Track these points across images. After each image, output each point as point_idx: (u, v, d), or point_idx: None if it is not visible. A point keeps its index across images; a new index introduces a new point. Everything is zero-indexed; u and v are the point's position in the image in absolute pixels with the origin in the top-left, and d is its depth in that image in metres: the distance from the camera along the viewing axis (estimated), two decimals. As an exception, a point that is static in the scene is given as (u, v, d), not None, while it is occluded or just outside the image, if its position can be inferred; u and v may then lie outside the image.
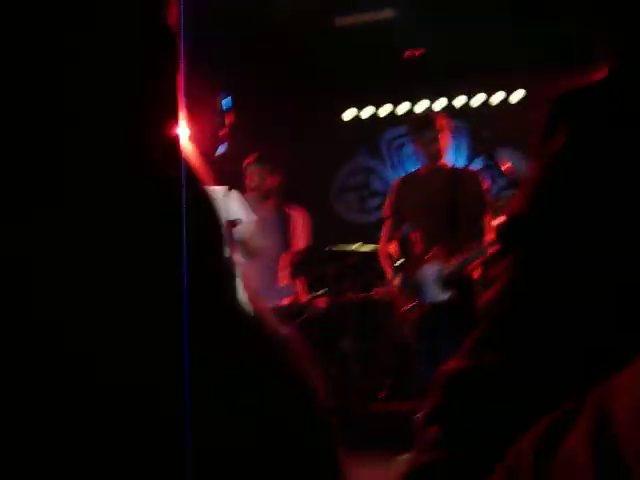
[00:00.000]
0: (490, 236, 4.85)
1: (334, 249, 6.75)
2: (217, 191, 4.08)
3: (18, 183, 0.62)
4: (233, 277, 0.83)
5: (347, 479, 0.79)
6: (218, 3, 5.19)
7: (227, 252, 0.84)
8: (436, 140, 5.03)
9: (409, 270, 4.99)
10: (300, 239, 5.82)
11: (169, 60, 0.76)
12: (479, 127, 5.42)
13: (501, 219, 5.09)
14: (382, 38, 6.25)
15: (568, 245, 0.56)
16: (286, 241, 5.69)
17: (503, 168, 5.09)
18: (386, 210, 5.35)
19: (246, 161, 5.34)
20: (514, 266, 0.60)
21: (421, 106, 8.19)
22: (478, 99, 7.85)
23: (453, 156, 8.32)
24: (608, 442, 0.42)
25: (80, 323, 0.63)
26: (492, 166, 6.86)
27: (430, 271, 4.79)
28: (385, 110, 8.33)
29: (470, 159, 8.33)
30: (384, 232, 5.33)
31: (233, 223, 3.86)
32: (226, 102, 3.50)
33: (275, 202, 5.71)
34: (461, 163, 8.32)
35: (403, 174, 8.48)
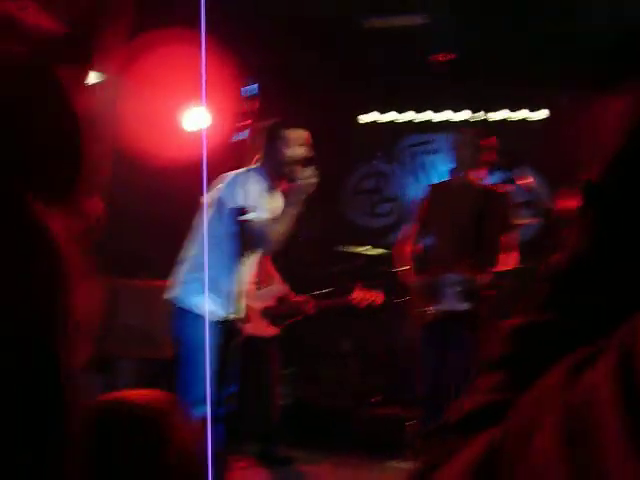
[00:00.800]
0: (509, 256, 4.86)
1: (342, 250, 6.77)
2: (237, 173, 4.02)
3: None
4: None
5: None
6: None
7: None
8: (478, 151, 5.02)
9: (431, 275, 5.00)
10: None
11: None
12: (500, 141, 5.40)
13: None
14: (411, 43, 6.24)
15: None
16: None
17: (521, 183, 5.05)
18: (416, 214, 5.37)
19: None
20: (589, 227, 0.59)
21: (443, 116, 8.18)
22: (501, 114, 7.82)
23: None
24: (631, 375, 0.42)
25: None
26: (510, 181, 6.86)
27: (453, 280, 4.83)
28: (405, 116, 8.31)
29: (488, 172, 8.32)
30: (407, 234, 5.32)
31: (243, 210, 3.73)
32: (251, 89, 3.48)
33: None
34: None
35: (434, 181, 8.54)
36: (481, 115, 7.96)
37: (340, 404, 6.21)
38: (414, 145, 8.60)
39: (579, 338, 0.51)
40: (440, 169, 8.49)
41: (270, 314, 5.15)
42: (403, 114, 8.31)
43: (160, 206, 6.50)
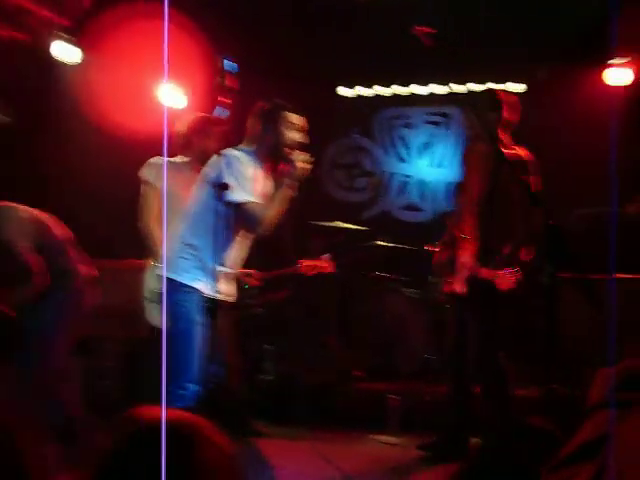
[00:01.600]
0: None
1: (319, 224, 6.76)
2: (230, 152, 3.94)
3: None
4: None
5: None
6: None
7: None
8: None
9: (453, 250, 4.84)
10: None
11: None
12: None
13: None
14: (393, 17, 6.19)
15: None
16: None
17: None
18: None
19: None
20: None
21: (423, 89, 8.16)
22: (480, 88, 7.80)
23: (445, 143, 8.35)
24: None
25: None
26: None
27: (464, 260, 4.61)
28: (385, 90, 8.28)
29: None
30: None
31: (225, 186, 3.66)
32: (229, 65, 3.42)
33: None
34: (452, 150, 8.34)
35: (396, 155, 8.53)
36: (462, 88, 7.95)
37: (322, 379, 6.22)
38: (392, 119, 8.59)
39: None
40: (417, 143, 8.51)
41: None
42: (382, 87, 8.28)
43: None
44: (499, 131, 4.55)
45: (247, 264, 5.32)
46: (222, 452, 1.04)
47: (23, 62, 6.13)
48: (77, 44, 6.62)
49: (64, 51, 6.58)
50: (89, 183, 6.65)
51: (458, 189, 7.19)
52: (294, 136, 4.03)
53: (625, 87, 6.35)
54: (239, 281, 5.17)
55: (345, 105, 8.47)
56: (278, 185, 3.96)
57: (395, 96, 8.31)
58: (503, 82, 7.77)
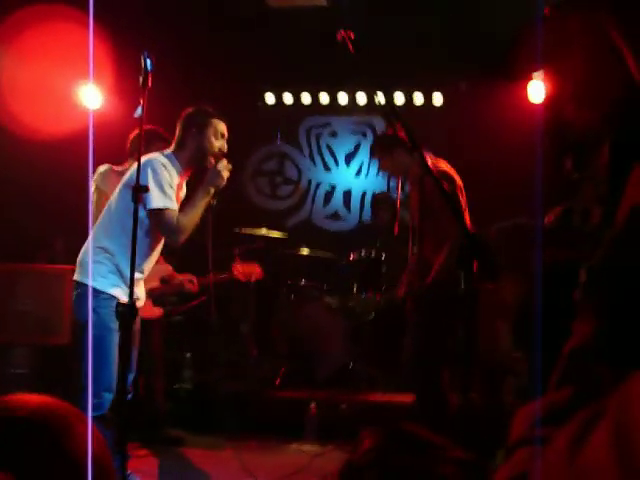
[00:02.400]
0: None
1: (241, 231, 6.72)
2: (150, 157, 3.87)
3: None
4: None
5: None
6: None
7: None
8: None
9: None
10: None
11: None
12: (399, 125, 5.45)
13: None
14: (314, 24, 6.21)
15: None
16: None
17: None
18: None
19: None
20: (596, 316, 0.64)
21: (342, 98, 8.21)
22: (399, 97, 7.90)
23: (367, 153, 8.42)
24: (627, 444, 0.43)
25: None
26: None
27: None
28: (308, 98, 8.30)
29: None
30: None
31: (144, 189, 3.58)
32: (147, 64, 3.37)
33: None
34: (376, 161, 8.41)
35: (322, 163, 8.55)
36: (381, 98, 8.01)
37: (241, 387, 6.17)
38: (315, 127, 8.61)
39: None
40: (342, 152, 8.55)
41: (154, 295, 5.04)
42: (307, 95, 8.29)
43: (58, 188, 6.30)
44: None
45: (177, 270, 5.27)
46: (88, 442, 1.00)
47: None
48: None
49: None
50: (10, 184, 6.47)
51: (377, 200, 7.31)
52: (217, 143, 4.00)
53: (543, 103, 6.53)
54: (180, 287, 5.11)
55: (270, 112, 8.45)
56: (198, 192, 3.92)
57: (321, 104, 8.34)
58: (428, 93, 7.91)
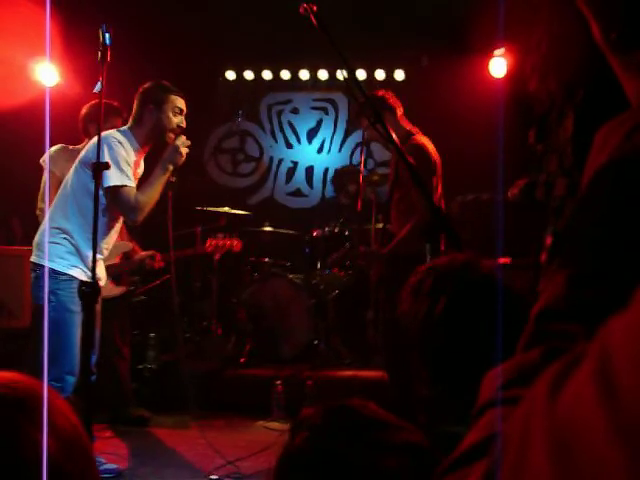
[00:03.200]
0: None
1: (204, 209, 6.67)
2: (107, 134, 3.79)
3: None
4: None
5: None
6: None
7: None
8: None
9: None
10: None
11: None
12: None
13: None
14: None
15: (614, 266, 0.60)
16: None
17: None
18: None
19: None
20: (563, 278, 0.63)
21: (304, 74, 8.15)
22: (361, 74, 7.85)
23: (331, 130, 8.39)
24: (611, 378, 0.42)
25: None
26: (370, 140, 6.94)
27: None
28: (269, 74, 8.23)
29: (347, 133, 8.41)
30: None
31: (104, 166, 3.50)
32: (106, 38, 3.30)
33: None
34: (339, 136, 8.40)
35: (283, 140, 8.50)
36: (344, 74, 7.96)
37: (206, 367, 6.15)
38: (276, 104, 8.55)
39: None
40: (301, 128, 8.51)
41: (116, 272, 4.94)
42: (268, 72, 8.22)
43: (14, 166, 6.18)
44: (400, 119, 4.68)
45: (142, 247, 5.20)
46: (64, 418, 0.97)
47: None
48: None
49: None
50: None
51: (339, 175, 7.31)
52: (175, 119, 3.94)
53: (505, 77, 6.55)
54: (143, 264, 5.03)
55: (230, 89, 8.37)
56: (157, 169, 3.87)
57: (282, 81, 8.28)
58: (390, 69, 7.89)
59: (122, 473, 4.26)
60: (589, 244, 0.63)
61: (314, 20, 2.87)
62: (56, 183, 4.73)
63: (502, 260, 4.74)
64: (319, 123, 8.47)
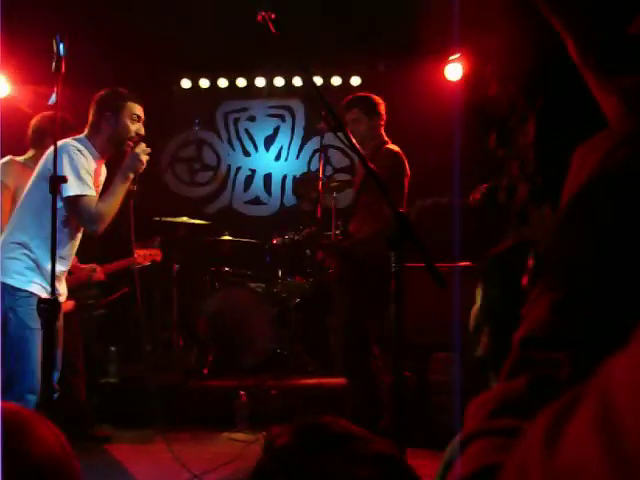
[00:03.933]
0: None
1: (162, 220, 6.61)
2: (64, 142, 3.71)
3: None
4: None
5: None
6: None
7: None
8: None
9: None
10: None
11: None
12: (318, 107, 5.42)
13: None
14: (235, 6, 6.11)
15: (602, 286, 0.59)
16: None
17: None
18: None
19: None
20: (546, 307, 0.62)
21: (260, 82, 8.14)
22: (318, 80, 7.85)
23: (288, 137, 8.39)
24: (613, 423, 0.41)
25: None
26: (328, 146, 6.95)
27: None
28: (224, 82, 8.19)
29: (305, 140, 8.40)
30: None
31: (62, 179, 3.43)
32: (60, 48, 3.24)
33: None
34: (297, 143, 8.39)
35: (240, 148, 8.47)
36: (301, 81, 7.96)
37: (168, 379, 6.08)
38: (232, 112, 8.51)
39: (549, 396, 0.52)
40: (261, 136, 8.49)
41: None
42: (224, 80, 8.19)
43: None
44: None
45: (87, 260, 5.11)
46: (51, 444, 0.95)
47: None
48: None
49: None
50: None
51: (299, 182, 7.31)
52: (133, 126, 3.89)
53: (460, 81, 6.61)
54: (86, 278, 4.94)
55: (186, 97, 8.31)
56: (117, 178, 3.80)
57: (238, 88, 8.24)
58: (346, 75, 7.90)
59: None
60: (573, 265, 0.62)
61: (272, 28, 2.85)
62: (8, 195, 4.64)
63: (462, 264, 4.77)
64: (276, 130, 8.46)
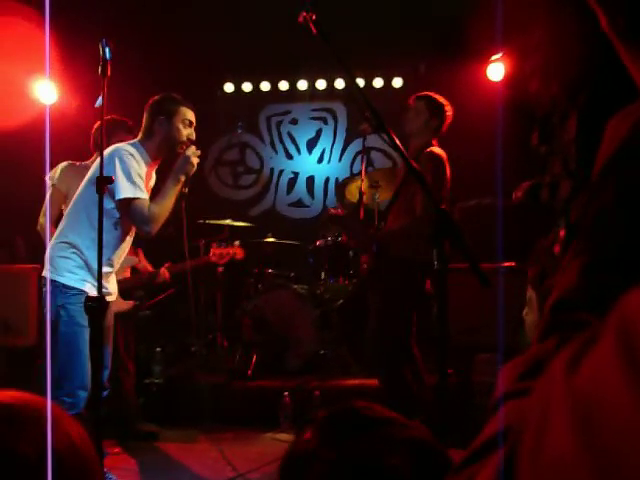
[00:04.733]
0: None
1: (206, 222, 6.67)
2: (117, 147, 3.79)
3: None
4: None
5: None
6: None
7: None
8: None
9: None
10: None
11: None
12: (360, 109, 5.42)
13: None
14: (276, 10, 6.16)
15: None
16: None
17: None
18: None
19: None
20: (577, 271, 0.63)
21: (302, 85, 8.18)
22: (360, 82, 7.87)
23: (331, 140, 8.41)
24: (633, 345, 0.42)
25: None
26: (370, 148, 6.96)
27: None
28: (267, 86, 8.25)
29: (347, 142, 8.42)
30: None
31: (107, 180, 3.49)
32: (106, 52, 3.30)
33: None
34: (339, 146, 8.41)
35: (283, 151, 8.53)
36: (342, 84, 7.98)
37: (213, 379, 6.13)
38: (275, 115, 8.57)
39: None
40: (300, 139, 8.52)
41: (126, 287, 4.93)
42: (267, 83, 8.24)
43: (16, 185, 6.19)
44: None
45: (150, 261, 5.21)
46: (70, 436, 0.97)
47: None
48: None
49: None
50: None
51: (341, 185, 7.32)
52: (185, 131, 3.95)
53: (502, 81, 6.56)
54: (150, 276, 5.03)
55: (229, 101, 8.39)
56: (169, 180, 3.86)
57: (280, 92, 8.30)
58: (387, 77, 7.91)
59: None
60: (602, 231, 0.63)
61: (314, 29, 2.87)
62: (59, 199, 4.74)
63: (506, 264, 4.75)
64: (318, 133, 8.49)
